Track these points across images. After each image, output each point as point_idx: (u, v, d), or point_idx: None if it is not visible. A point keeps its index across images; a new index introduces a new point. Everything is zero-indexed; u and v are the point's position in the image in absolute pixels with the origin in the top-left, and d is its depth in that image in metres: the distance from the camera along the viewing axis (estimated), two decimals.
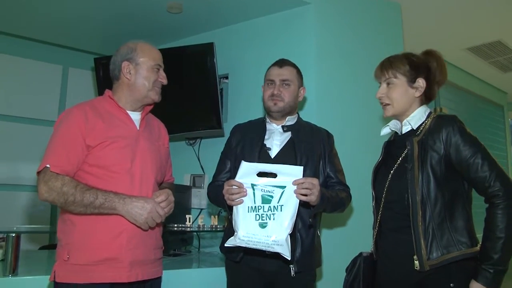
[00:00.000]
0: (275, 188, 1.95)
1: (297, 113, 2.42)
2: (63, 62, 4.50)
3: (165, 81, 2.08)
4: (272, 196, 1.95)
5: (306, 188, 1.94)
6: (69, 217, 1.88)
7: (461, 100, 5.39)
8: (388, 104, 1.97)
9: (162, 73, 2.08)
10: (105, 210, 1.83)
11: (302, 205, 2.02)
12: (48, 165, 1.82)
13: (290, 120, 2.34)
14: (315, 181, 1.97)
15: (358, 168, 2.69)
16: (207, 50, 3.35)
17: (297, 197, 1.94)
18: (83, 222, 1.85)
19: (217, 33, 3.70)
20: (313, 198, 1.96)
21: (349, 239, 2.98)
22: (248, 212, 1.95)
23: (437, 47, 2.05)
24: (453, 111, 4.91)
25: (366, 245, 2.11)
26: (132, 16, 3.56)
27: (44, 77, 4.37)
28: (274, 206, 1.93)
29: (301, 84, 2.38)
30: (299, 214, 2.04)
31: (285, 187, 1.94)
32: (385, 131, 2.07)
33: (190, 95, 3.48)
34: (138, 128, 2.03)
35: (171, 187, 2.16)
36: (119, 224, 1.86)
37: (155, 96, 2.05)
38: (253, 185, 1.97)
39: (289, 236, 1.92)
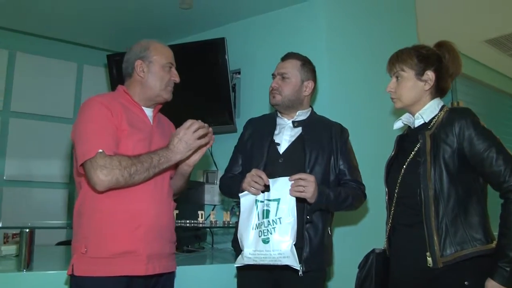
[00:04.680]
0: (270, 202, 2.01)
1: (311, 107, 2.38)
2: (77, 60, 4.51)
3: (177, 79, 2.11)
4: (269, 210, 2.00)
5: (300, 185, 1.97)
6: (85, 210, 1.89)
7: (479, 93, 5.28)
8: (396, 98, 1.96)
9: (174, 72, 2.10)
10: (162, 166, 1.90)
11: (301, 201, 2.03)
12: (101, 150, 1.80)
13: (302, 115, 2.31)
14: (310, 177, 1.99)
15: (371, 163, 2.65)
16: (219, 45, 3.34)
17: (291, 193, 1.97)
18: (100, 215, 1.86)
19: (228, 28, 3.68)
20: (307, 194, 1.98)
21: (362, 237, 2.94)
22: (252, 229, 2.01)
23: (453, 39, 2.02)
24: (470, 105, 4.76)
25: (380, 243, 2.08)
26: (144, 13, 3.57)
27: (59, 75, 4.39)
28: (273, 220, 1.98)
29: (308, 77, 2.31)
30: (305, 212, 2.08)
31: (279, 199, 1.99)
32: (398, 125, 2.05)
33: (202, 91, 3.47)
34: (152, 123, 2.06)
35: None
36: (137, 217, 1.88)
37: (167, 95, 2.08)
38: (256, 201, 2.05)
39: (293, 246, 1.94)
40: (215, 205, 3.49)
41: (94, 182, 1.78)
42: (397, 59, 1.95)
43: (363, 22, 3.35)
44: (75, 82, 4.49)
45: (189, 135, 1.93)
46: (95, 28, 3.99)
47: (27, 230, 2.25)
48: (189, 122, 1.96)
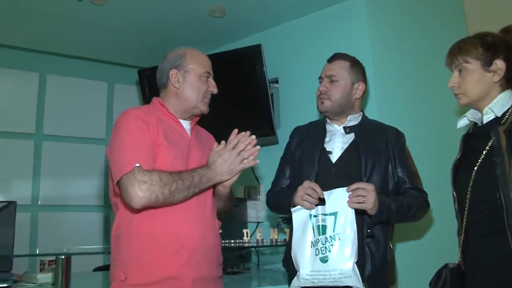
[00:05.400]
0: (327, 217, 1.89)
1: (362, 111, 2.23)
2: (108, 79, 4.50)
3: (215, 90, 2.00)
4: (326, 226, 1.88)
5: (359, 195, 1.84)
6: (123, 233, 1.79)
7: None
8: (461, 93, 1.77)
9: (212, 82, 1.99)
10: (203, 185, 1.81)
11: (360, 213, 1.90)
12: (138, 164, 1.69)
13: (353, 120, 2.16)
14: (369, 186, 1.87)
15: (431, 169, 2.46)
16: (255, 53, 3.23)
17: (350, 205, 1.85)
18: (139, 238, 1.75)
19: (263, 35, 3.60)
20: (368, 205, 1.85)
21: (427, 251, 2.78)
22: (308, 247, 1.91)
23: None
24: None
25: (449, 256, 1.89)
26: (173, 25, 3.51)
27: (90, 95, 4.38)
28: (330, 236, 1.86)
29: (358, 78, 2.16)
30: (365, 226, 1.95)
31: (336, 212, 1.87)
32: (462, 122, 1.87)
33: (239, 103, 3.38)
34: (189, 136, 1.95)
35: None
36: (179, 239, 1.77)
37: (204, 107, 1.97)
38: (311, 216, 1.92)
39: (355, 264, 1.83)
40: (259, 222, 3.37)
41: (130, 198, 1.65)
42: (459, 50, 1.76)
43: (408, 19, 3.21)
44: (106, 102, 4.48)
45: (233, 158, 1.85)
46: (124, 45, 3.96)
47: (63, 257, 2.18)
48: (233, 142, 1.88)
